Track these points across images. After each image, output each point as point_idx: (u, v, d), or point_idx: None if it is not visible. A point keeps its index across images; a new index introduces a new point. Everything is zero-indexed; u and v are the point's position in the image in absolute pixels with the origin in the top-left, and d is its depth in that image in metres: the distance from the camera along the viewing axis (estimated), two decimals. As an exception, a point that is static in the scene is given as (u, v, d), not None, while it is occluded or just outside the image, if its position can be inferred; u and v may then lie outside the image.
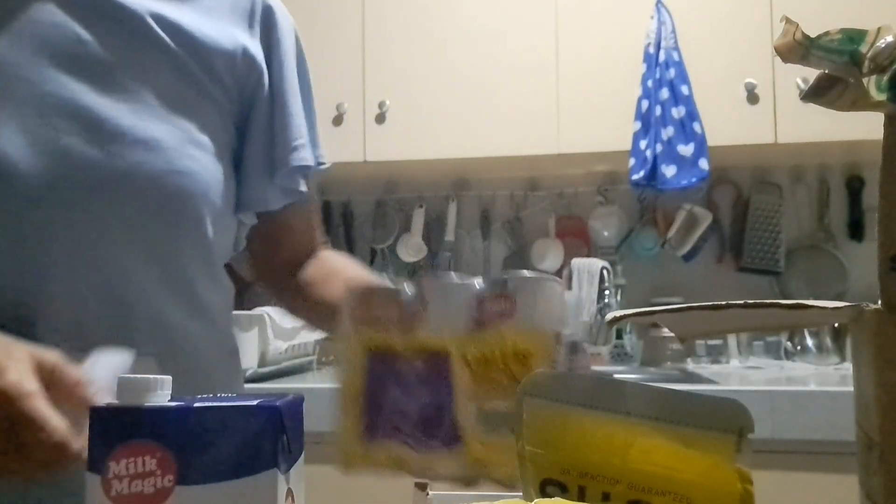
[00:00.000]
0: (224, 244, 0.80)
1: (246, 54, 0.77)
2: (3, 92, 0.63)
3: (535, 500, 0.35)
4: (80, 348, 0.52)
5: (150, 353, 0.58)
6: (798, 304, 0.41)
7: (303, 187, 0.84)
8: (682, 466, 0.38)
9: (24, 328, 0.59)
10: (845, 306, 0.42)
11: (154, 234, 0.69)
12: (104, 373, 0.48)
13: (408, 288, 0.56)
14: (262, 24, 0.80)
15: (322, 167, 0.86)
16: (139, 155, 0.67)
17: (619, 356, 2.23)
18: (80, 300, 0.65)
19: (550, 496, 0.40)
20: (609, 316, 0.47)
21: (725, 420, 0.38)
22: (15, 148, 0.62)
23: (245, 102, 0.79)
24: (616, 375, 1.77)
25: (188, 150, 0.71)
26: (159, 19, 0.71)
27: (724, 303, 0.42)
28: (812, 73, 0.43)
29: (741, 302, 0.41)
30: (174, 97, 0.71)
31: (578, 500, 0.39)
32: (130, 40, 0.69)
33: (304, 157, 0.81)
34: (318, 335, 2.14)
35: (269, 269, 0.92)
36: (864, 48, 0.39)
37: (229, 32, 0.76)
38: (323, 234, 0.95)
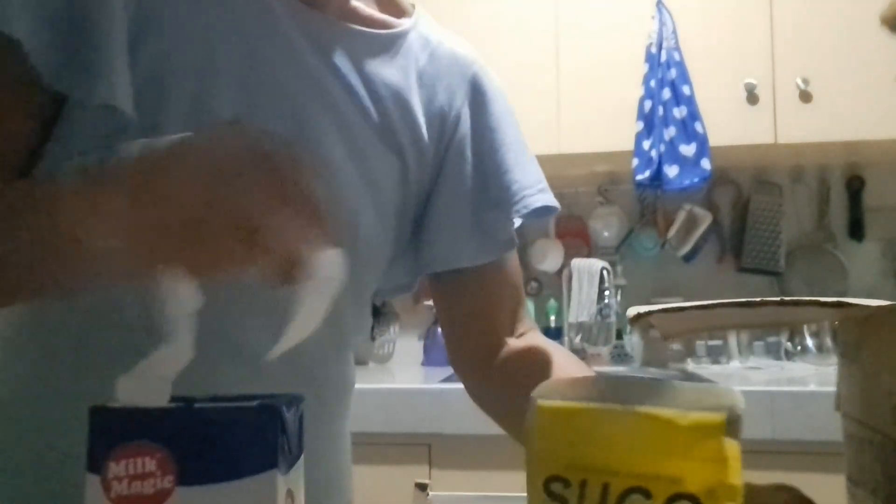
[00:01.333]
0: (371, 292, 0.77)
1: (444, 115, 0.75)
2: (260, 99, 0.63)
3: None
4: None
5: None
6: (839, 302, 0.40)
7: (509, 235, 0.79)
8: (675, 449, 0.39)
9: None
10: (879, 305, 0.41)
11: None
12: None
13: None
14: (471, 89, 0.78)
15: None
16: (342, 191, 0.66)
17: (620, 356, 2.23)
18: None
19: (554, 492, 0.42)
20: (632, 311, 0.46)
21: (714, 400, 0.40)
22: None
23: (436, 161, 0.76)
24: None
25: (371, 207, 0.69)
26: (367, 79, 0.69)
27: (757, 300, 0.42)
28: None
29: (777, 299, 0.41)
30: (361, 141, 0.69)
31: (580, 494, 0.41)
32: (327, 102, 0.67)
33: (539, 199, 0.78)
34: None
35: (458, 359, 0.83)
36: None
37: (433, 94, 0.74)
38: (529, 315, 0.85)
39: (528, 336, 0.82)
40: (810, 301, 0.41)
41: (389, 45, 0.72)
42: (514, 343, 0.80)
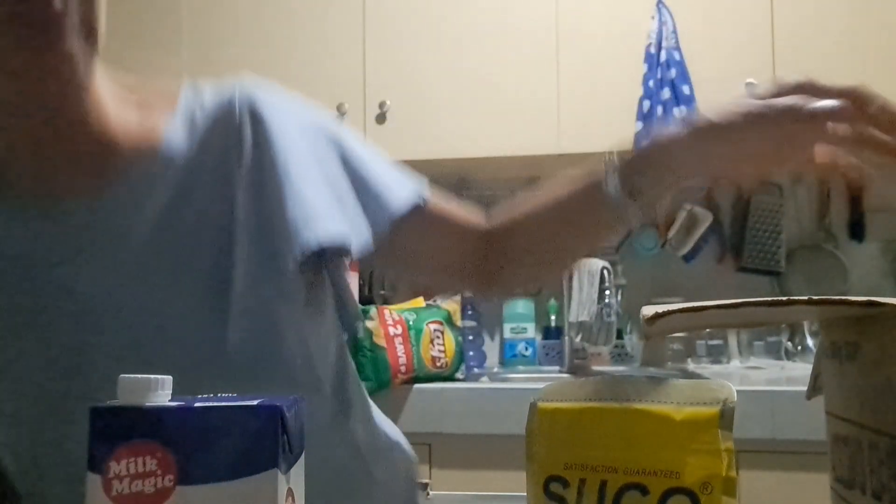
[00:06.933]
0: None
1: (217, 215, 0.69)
2: None
3: None
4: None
5: None
6: (870, 301, 0.39)
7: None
8: (670, 443, 0.40)
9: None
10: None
11: None
12: None
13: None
14: (247, 124, 0.71)
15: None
16: None
17: (620, 356, 2.23)
18: None
19: (553, 493, 0.42)
20: (649, 311, 0.44)
21: (708, 394, 0.40)
22: None
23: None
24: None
25: None
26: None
27: (784, 298, 0.41)
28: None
29: (805, 298, 0.41)
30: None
31: (579, 493, 0.41)
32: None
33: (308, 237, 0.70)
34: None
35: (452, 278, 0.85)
36: None
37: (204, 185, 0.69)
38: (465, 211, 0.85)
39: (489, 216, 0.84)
40: (840, 300, 0.40)
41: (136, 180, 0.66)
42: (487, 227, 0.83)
